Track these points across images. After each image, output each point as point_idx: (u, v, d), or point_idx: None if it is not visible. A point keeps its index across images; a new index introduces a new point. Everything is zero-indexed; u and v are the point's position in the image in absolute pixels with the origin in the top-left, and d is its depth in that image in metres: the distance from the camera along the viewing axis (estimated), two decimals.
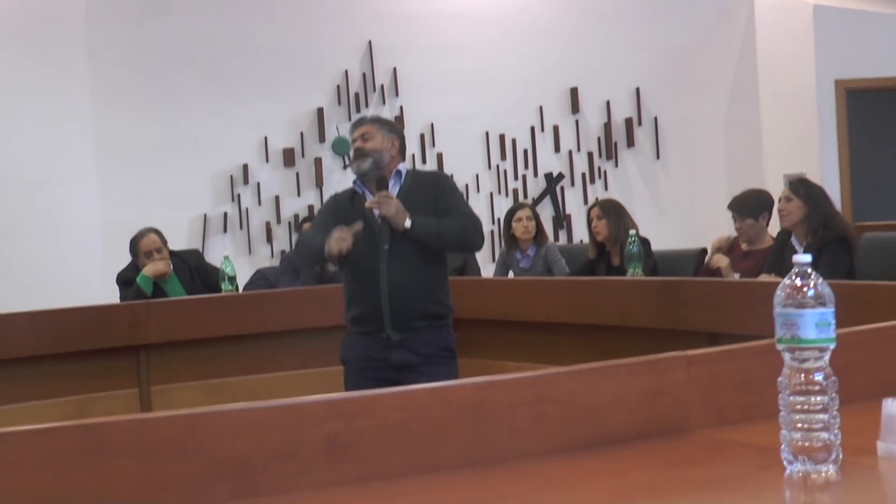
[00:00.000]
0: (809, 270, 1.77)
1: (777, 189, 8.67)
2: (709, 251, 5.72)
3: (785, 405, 1.75)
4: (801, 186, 5.18)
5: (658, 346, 3.52)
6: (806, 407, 1.73)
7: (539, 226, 6.68)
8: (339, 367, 4.44)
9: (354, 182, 4.28)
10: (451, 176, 4.78)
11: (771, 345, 1.82)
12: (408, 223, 4.00)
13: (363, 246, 4.08)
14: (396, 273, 4.04)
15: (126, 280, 6.00)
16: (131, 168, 8.29)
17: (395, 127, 4.37)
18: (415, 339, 4.04)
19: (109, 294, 6.70)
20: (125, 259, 6.22)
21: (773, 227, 5.59)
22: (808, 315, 1.73)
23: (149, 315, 5.43)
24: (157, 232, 6.08)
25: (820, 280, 1.76)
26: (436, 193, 4.14)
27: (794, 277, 1.77)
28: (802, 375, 1.74)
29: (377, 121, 4.30)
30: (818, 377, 1.74)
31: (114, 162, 8.25)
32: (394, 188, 4.16)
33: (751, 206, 5.52)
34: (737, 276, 5.32)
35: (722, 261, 5.37)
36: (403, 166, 4.26)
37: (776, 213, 5.37)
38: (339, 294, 4.36)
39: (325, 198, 8.55)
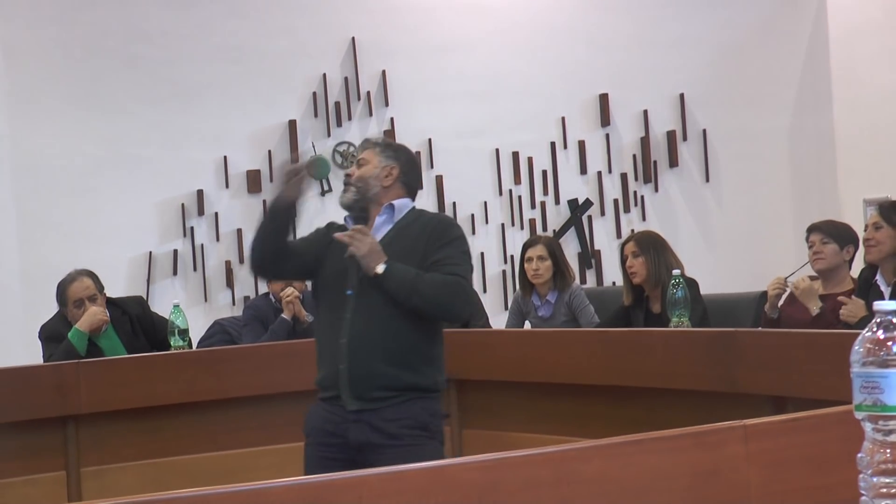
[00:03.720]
0: (894, 320, 1.77)
1: (855, 217, 8.75)
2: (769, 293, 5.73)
3: (867, 488, 1.75)
4: (893, 212, 5.20)
5: (709, 414, 3.50)
6: (894, 491, 1.73)
7: (559, 264, 6.67)
8: None
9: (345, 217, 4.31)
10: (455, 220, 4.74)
11: (848, 412, 1.81)
12: (381, 268, 3.95)
13: (332, 288, 4.14)
14: (361, 325, 4.02)
15: (52, 335, 5.99)
16: (57, 195, 8.30)
17: (403, 153, 4.32)
18: (377, 413, 3.98)
19: (30, 352, 6.69)
20: (50, 308, 6.21)
21: (854, 271, 5.61)
22: (894, 376, 1.73)
23: (79, 378, 5.40)
24: (92, 275, 6.08)
25: None
26: (428, 240, 4.05)
27: (875, 329, 1.77)
28: (889, 451, 1.74)
29: (380, 144, 4.31)
30: None
31: (35, 187, 8.26)
32: (383, 226, 4.16)
33: (838, 231, 5.57)
34: (817, 310, 5.32)
35: (801, 283, 5.38)
36: (406, 202, 4.24)
37: (860, 254, 5.40)
38: (313, 353, 4.36)
39: (299, 233, 8.60)
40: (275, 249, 4.18)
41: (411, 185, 4.27)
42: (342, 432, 4.02)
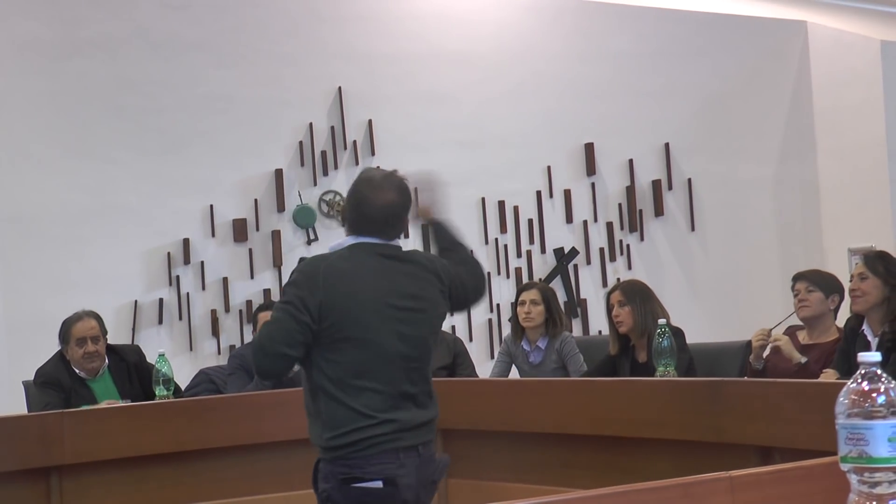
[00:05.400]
0: (879, 371, 1.76)
1: (839, 266, 8.77)
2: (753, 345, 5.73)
3: None
4: (879, 262, 5.22)
5: (695, 464, 3.50)
6: None
7: (552, 311, 6.67)
8: (302, 492, 4.41)
9: None
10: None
11: (835, 463, 1.81)
12: None
13: None
14: None
15: (49, 380, 5.97)
16: (43, 244, 8.27)
17: (350, 196, 4.17)
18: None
19: (13, 402, 6.65)
20: (33, 359, 6.19)
21: (840, 321, 5.62)
22: (879, 427, 1.72)
23: (63, 428, 5.37)
24: (98, 318, 6.11)
25: (893, 383, 1.76)
26: None
27: (860, 380, 1.76)
28: (875, 503, 1.73)
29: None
30: None
31: (21, 236, 8.23)
32: None
33: (824, 280, 5.61)
34: (803, 361, 5.34)
35: (780, 339, 5.41)
36: (358, 240, 4.08)
37: (846, 305, 5.42)
38: (300, 402, 4.34)
39: (284, 280, 8.57)
40: None
41: (358, 226, 4.10)
42: None
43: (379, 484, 3.92)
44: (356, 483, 3.91)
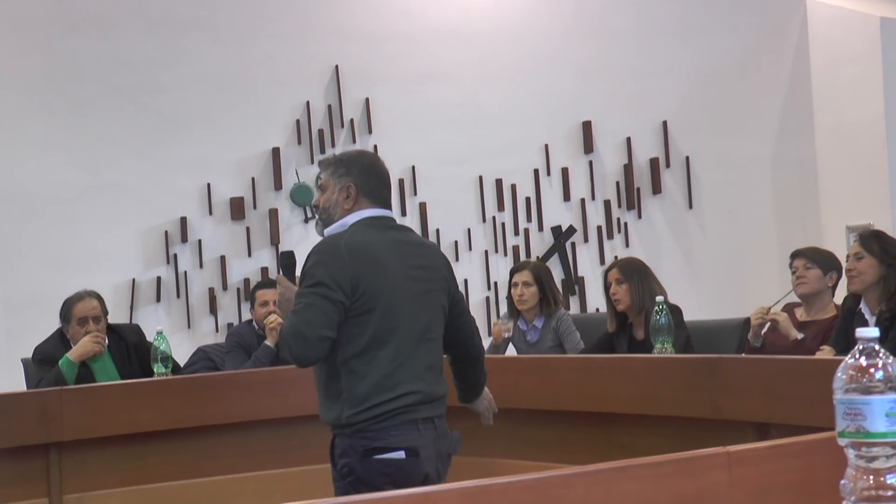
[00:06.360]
0: (877, 347, 1.76)
1: (837, 243, 8.77)
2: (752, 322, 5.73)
3: None
4: (874, 241, 5.23)
5: (693, 440, 3.50)
6: None
7: (546, 290, 6.66)
8: (300, 468, 4.43)
9: None
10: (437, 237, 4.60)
11: (832, 439, 1.81)
12: None
13: None
14: None
15: (46, 357, 5.98)
16: (40, 223, 8.27)
17: (355, 164, 4.12)
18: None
19: (12, 379, 6.65)
20: (31, 337, 6.20)
21: (838, 298, 5.63)
22: (877, 402, 1.72)
23: (62, 405, 5.38)
24: (99, 298, 6.12)
25: (891, 359, 1.76)
26: None
27: (857, 356, 1.76)
28: (871, 477, 1.73)
29: (331, 163, 4.18)
30: (891, 480, 1.73)
31: (18, 215, 8.23)
32: None
33: (822, 257, 5.63)
34: (800, 337, 5.36)
35: (779, 316, 5.44)
36: (344, 223, 4.03)
37: (844, 283, 5.43)
38: (297, 379, 4.36)
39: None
40: None
41: (374, 192, 4.07)
42: None
43: (401, 454, 3.92)
44: (378, 455, 3.91)
